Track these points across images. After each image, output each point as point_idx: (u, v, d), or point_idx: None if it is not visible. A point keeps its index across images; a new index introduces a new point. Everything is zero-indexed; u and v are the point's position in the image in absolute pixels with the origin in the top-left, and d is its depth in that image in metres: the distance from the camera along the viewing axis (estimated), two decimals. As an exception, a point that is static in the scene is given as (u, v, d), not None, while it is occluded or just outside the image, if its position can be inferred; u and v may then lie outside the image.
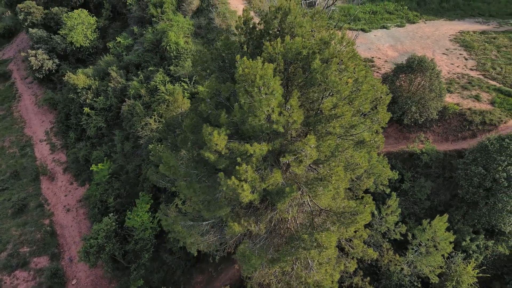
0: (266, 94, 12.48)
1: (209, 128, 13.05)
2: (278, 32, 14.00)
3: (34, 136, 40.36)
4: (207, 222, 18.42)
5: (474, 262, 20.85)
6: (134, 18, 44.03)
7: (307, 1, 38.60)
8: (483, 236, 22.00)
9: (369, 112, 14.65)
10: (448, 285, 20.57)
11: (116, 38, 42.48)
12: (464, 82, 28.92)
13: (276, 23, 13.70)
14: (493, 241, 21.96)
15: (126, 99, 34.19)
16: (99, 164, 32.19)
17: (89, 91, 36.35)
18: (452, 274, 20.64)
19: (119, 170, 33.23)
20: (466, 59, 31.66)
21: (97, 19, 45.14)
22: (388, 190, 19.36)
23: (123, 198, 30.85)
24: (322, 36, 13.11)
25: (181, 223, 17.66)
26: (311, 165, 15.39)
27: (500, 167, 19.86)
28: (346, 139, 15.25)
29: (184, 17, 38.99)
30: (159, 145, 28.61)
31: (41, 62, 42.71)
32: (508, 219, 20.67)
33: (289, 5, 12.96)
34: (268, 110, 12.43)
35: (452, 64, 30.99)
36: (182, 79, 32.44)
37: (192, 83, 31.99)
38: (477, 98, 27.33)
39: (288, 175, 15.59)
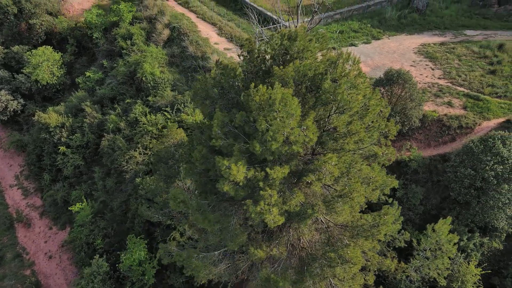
0: (282, 117, 12.63)
1: (226, 161, 12.82)
2: (284, 57, 14.30)
3: (3, 182, 37.78)
4: (218, 251, 17.97)
5: (476, 261, 21.69)
6: (102, 51, 43.29)
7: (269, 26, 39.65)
8: (478, 234, 23.01)
9: (375, 126, 15.14)
10: (454, 286, 21.19)
11: (85, 73, 41.40)
12: (436, 90, 30.78)
13: (281, 49, 13.99)
14: (488, 238, 23.01)
15: (105, 133, 33.10)
16: (77, 204, 30.57)
17: (63, 129, 34.83)
18: (456, 274, 21.31)
19: (103, 208, 31.74)
20: (432, 69, 33.78)
21: (62, 54, 43.82)
22: (390, 200, 19.87)
23: (111, 238, 29.36)
24: (329, 57, 13.57)
25: (194, 255, 17.09)
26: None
27: (487, 166, 21.07)
28: (354, 153, 15.66)
29: (156, 47, 38.84)
30: (147, 178, 27.80)
31: (5, 103, 40.56)
32: (499, 215, 21.81)
33: (296, 31, 13.37)
34: (289, 132, 12.55)
35: (421, 74, 32.93)
36: (163, 109, 31.98)
37: (173, 111, 31.61)
38: (450, 104, 29.12)
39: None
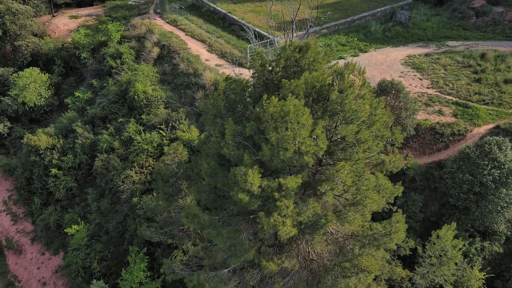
0: (294, 128, 12.74)
1: (242, 168, 12.85)
2: (294, 69, 14.50)
3: (-10, 208, 36.48)
4: (228, 269, 17.69)
5: (479, 265, 21.96)
6: (91, 71, 42.97)
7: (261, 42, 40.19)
8: (479, 238, 23.37)
9: (380, 135, 15.39)
10: (460, 291, 21.36)
11: (74, 93, 40.89)
12: (426, 100, 31.59)
13: (292, 61, 14.20)
14: (488, 242, 23.38)
15: (98, 154, 32.53)
16: (73, 226, 29.77)
17: (53, 151, 34.07)
18: (462, 280, 21.50)
19: (98, 230, 30.94)
20: (420, 79, 34.73)
21: (49, 75, 43.24)
22: (395, 208, 20.04)
23: (108, 261, 28.56)
24: (336, 68, 13.85)
25: (205, 276, 16.77)
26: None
27: (485, 171, 21.58)
28: (362, 162, 15.82)
29: (147, 65, 38.78)
30: (145, 197, 27.38)
31: (-9, 127, 39.59)
32: (498, 218, 22.27)
33: (307, 43, 13.64)
34: (300, 141, 12.64)
35: (410, 85, 33.78)
36: (158, 126, 31.75)
37: (168, 129, 31.41)
38: (440, 112, 29.90)
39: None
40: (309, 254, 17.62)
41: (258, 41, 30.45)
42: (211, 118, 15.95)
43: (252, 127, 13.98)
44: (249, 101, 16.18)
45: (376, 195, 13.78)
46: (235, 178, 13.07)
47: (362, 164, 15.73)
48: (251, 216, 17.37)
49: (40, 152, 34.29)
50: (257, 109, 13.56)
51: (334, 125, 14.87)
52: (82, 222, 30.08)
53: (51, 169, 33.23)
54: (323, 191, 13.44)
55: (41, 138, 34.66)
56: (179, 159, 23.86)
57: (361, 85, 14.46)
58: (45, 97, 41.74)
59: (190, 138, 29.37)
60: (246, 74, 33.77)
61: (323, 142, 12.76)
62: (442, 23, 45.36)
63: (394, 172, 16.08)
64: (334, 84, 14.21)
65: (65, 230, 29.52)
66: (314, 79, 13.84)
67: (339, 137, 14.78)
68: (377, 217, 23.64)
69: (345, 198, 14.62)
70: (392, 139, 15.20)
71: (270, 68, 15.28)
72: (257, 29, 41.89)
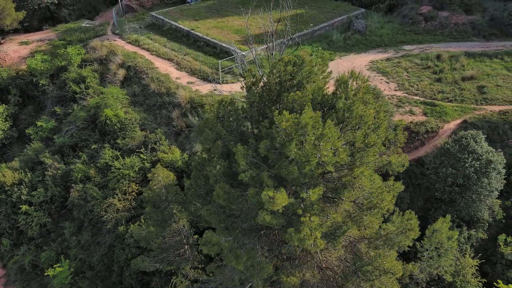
0: (312, 140, 12.85)
1: (270, 192, 12.54)
2: (290, 83, 14.66)
3: (-51, 256, 32.93)
4: None
5: (471, 253, 23.17)
6: (52, 98, 40.70)
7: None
8: (465, 227, 24.72)
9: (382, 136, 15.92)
10: (457, 280, 22.36)
11: (36, 122, 38.45)
12: (396, 102, 33.21)
13: (287, 75, 14.36)
14: (474, 230, 24.79)
15: (72, 184, 30.67)
16: (55, 266, 27.69)
17: (21, 186, 31.66)
18: (457, 268, 22.54)
19: (81, 266, 29.01)
20: (387, 83, 36.51)
21: (6, 106, 40.39)
22: (392, 207, 20.70)
23: (97, 297, 26.81)
24: (340, 77, 14.24)
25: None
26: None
27: (466, 163, 22.98)
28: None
29: (114, 87, 37.43)
30: (134, 225, 26.20)
31: None
32: (481, 206, 23.73)
33: (302, 57, 13.90)
34: (323, 154, 12.75)
35: (379, 88, 35.36)
36: (136, 150, 30.60)
37: (148, 151, 30.39)
38: (412, 112, 31.56)
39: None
40: (321, 263, 17.68)
41: (239, 55, 30.48)
42: (210, 141, 15.62)
43: (265, 145, 13.87)
44: (243, 118, 16.06)
45: (390, 196, 14.18)
46: (260, 202, 12.77)
47: (372, 167, 16.24)
48: (262, 232, 17.20)
49: (6, 189, 31.70)
50: (267, 125, 13.57)
51: (341, 131, 15.20)
52: (64, 259, 28.04)
53: (20, 206, 30.80)
54: (343, 198, 13.60)
55: (6, 174, 32.10)
56: (166, 183, 23.12)
57: (364, 92, 14.92)
58: (3, 130, 38.86)
59: (173, 159, 28.60)
60: (224, 89, 33.70)
61: (344, 152, 12.96)
62: (395, 29, 48.12)
63: (400, 171, 16.66)
64: (338, 92, 14.58)
65: (45, 273, 27.26)
66: (319, 90, 14.11)
67: (345, 142, 15.11)
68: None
69: (360, 203, 14.89)
70: (394, 140, 15.78)
71: (270, 84, 15.32)
72: (224, 45, 42.00)
